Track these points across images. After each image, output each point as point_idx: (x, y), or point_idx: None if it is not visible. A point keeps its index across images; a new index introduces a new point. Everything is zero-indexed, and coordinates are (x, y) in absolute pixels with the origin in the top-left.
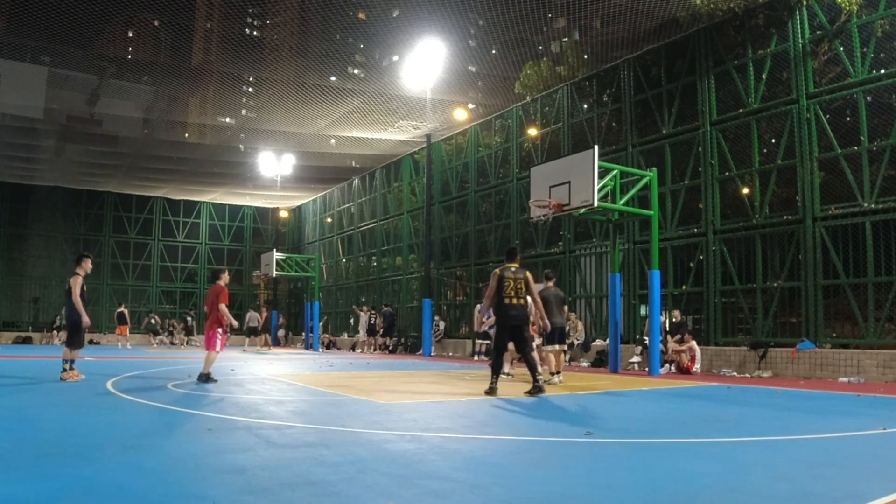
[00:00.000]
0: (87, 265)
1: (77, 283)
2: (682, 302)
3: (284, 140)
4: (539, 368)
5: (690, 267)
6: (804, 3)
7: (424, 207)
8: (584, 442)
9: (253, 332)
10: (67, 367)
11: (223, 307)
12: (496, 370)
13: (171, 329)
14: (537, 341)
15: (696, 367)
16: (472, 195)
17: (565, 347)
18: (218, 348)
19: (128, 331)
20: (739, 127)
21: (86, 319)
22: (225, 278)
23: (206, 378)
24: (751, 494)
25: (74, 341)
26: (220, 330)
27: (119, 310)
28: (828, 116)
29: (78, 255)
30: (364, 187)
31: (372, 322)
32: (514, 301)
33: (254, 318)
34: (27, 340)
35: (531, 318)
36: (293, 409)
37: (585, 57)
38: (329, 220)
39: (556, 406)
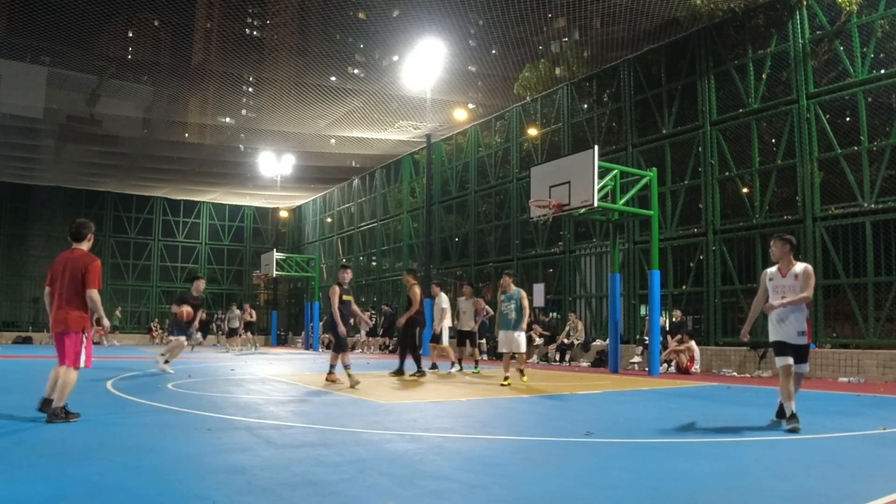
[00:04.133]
0: (344, 275)
1: (335, 294)
2: (682, 302)
3: (284, 140)
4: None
5: (690, 267)
6: (804, 3)
7: (424, 207)
8: (584, 442)
9: (233, 332)
10: (331, 371)
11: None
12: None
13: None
14: (538, 341)
15: (696, 367)
16: (472, 195)
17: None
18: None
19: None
20: (739, 127)
21: (341, 329)
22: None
23: None
24: (751, 494)
25: (338, 346)
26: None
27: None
28: (828, 116)
29: (341, 264)
30: (364, 187)
31: (373, 322)
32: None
33: (235, 317)
34: (27, 340)
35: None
36: (293, 409)
37: (586, 55)
38: (329, 220)
39: (556, 406)
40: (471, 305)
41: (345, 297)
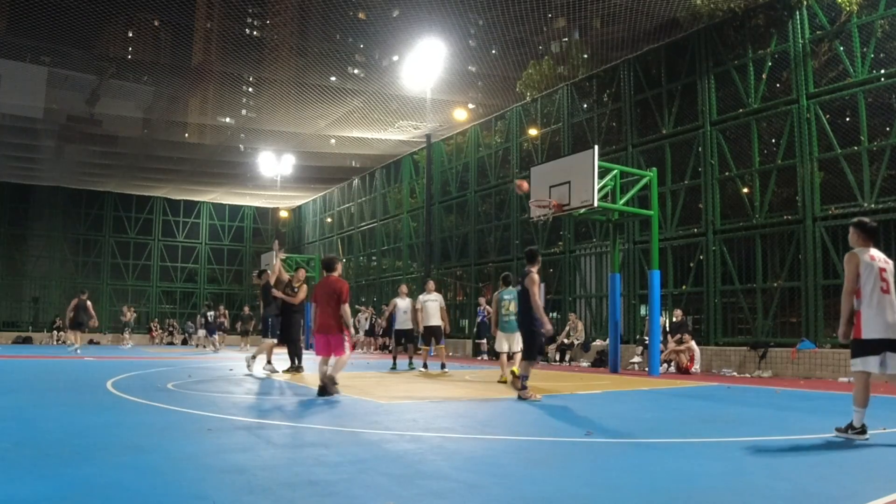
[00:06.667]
0: (539, 264)
1: (536, 286)
2: (682, 302)
3: (284, 140)
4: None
5: (690, 267)
6: (804, 3)
7: (424, 207)
8: (584, 442)
9: (211, 331)
10: (523, 384)
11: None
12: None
13: (170, 329)
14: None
15: (696, 367)
16: (472, 195)
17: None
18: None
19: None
20: (739, 127)
21: (547, 327)
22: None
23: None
24: (751, 494)
25: (533, 352)
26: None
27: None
28: (828, 116)
29: (531, 250)
30: (364, 187)
31: (372, 322)
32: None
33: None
34: (27, 340)
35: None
36: (293, 409)
37: (585, 57)
38: (329, 220)
39: (556, 406)
40: (408, 304)
41: None
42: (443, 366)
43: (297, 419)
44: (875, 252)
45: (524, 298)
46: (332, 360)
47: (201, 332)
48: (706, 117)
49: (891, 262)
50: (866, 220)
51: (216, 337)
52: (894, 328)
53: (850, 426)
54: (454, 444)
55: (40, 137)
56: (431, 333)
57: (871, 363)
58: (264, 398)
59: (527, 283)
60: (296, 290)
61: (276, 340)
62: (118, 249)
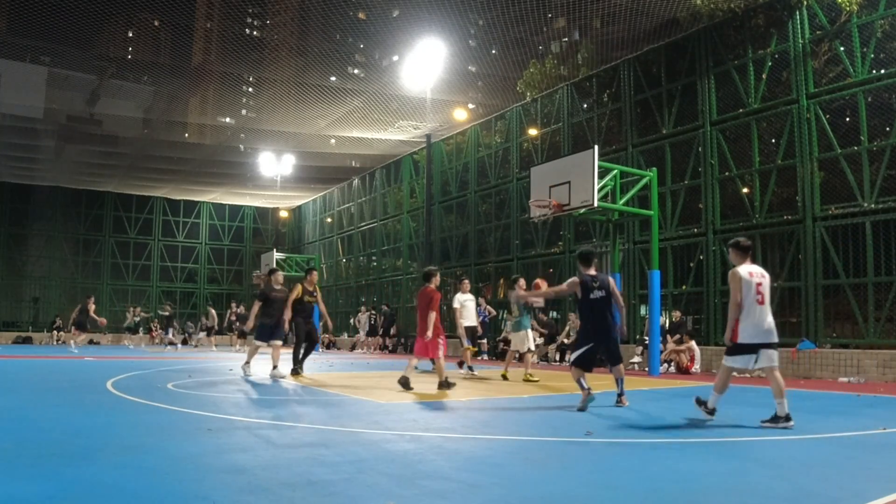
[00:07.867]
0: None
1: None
2: (682, 302)
3: (284, 140)
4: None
5: (690, 267)
6: (804, 3)
7: (424, 207)
8: (584, 442)
9: (210, 331)
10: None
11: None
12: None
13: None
14: (538, 340)
15: (696, 367)
16: (472, 195)
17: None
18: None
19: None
20: (739, 127)
21: (624, 329)
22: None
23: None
24: (751, 494)
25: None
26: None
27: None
28: (828, 116)
29: (589, 252)
30: (364, 187)
31: (373, 322)
32: None
33: (212, 316)
34: (27, 340)
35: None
36: (293, 409)
37: (584, 56)
38: (329, 220)
39: (556, 406)
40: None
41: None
42: (462, 365)
43: (297, 419)
44: (752, 268)
45: (609, 302)
46: (429, 364)
47: (202, 333)
48: (706, 117)
49: (767, 276)
50: (741, 239)
51: (170, 336)
52: (767, 333)
53: (706, 406)
54: (454, 444)
55: (40, 137)
56: (471, 333)
57: (741, 361)
58: (264, 398)
59: (612, 288)
60: (314, 294)
61: (263, 343)
62: (118, 249)
